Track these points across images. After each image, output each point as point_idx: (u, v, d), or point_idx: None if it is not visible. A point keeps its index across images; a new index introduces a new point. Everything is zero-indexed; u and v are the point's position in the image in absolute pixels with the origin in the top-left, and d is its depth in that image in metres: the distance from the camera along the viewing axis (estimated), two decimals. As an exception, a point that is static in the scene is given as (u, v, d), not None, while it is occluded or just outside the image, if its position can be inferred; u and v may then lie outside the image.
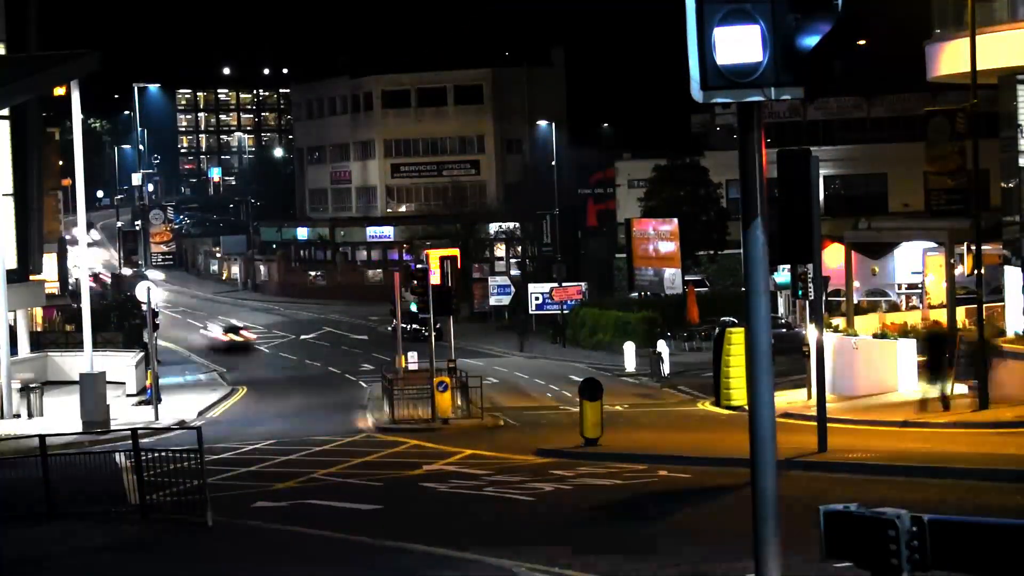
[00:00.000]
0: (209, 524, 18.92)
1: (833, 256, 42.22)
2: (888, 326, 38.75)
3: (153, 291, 43.75)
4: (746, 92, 8.60)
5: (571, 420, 34.53)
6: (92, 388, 38.58)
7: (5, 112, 45.61)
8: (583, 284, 74.44)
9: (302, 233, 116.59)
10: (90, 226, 78.91)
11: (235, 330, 73.98)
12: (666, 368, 50.95)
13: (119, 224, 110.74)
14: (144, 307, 44.65)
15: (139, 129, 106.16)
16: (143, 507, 20.02)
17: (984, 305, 31.69)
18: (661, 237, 66.60)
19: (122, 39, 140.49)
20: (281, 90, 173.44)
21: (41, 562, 17.60)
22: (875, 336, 37.11)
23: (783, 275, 41.53)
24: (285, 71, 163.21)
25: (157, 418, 40.63)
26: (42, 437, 21.75)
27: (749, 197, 8.97)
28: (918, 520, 8.38)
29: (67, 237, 70.17)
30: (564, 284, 72.36)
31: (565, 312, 69.19)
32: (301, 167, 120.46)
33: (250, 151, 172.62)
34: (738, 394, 36.67)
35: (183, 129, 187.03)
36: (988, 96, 34.59)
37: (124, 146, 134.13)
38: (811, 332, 31.24)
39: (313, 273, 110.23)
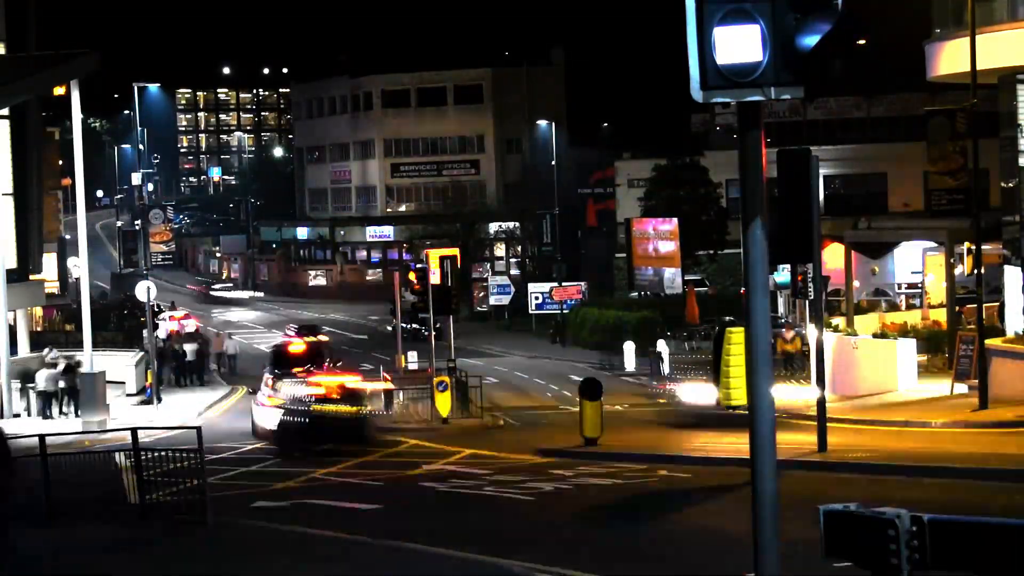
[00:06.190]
0: (209, 524, 18.91)
1: (833, 256, 42.19)
2: (888, 326, 38.78)
3: (152, 291, 43.77)
4: (746, 92, 8.59)
5: (571, 420, 34.51)
6: (92, 388, 38.58)
7: (5, 112, 45.52)
8: (583, 284, 74.42)
9: (302, 233, 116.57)
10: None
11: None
12: (666, 368, 50.89)
13: (119, 224, 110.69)
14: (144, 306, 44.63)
15: (139, 129, 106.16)
16: (143, 507, 19.98)
17: (984, 305, 31.72)
18: (661, 237, 66.56)
19: (122, 39, 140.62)
20: (281, 90, 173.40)
21: (41, 562, 17.57)
22: (875, 336, 37.11)
23: (783, 275, 41.52)
24: (285, 71, 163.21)
25: (157, 418, 40.60)
26: (42, 437, 21.70)
27: (749, 197, 8.97)
28: (918, 520, 8.38)
29: (67, 237, 69.95)
30: (564, 284, 72.35)
31: (565, 312, 69.17)
32: (301, 167, 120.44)
33: (250, 151, 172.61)
34: (738, 394, 36.59)
35: (183, 129, 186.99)
36: (988, 96, 34.60)
37: (124, 146, 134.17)
38: (811, 332, 31.22)
39: (313, 273, 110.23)
